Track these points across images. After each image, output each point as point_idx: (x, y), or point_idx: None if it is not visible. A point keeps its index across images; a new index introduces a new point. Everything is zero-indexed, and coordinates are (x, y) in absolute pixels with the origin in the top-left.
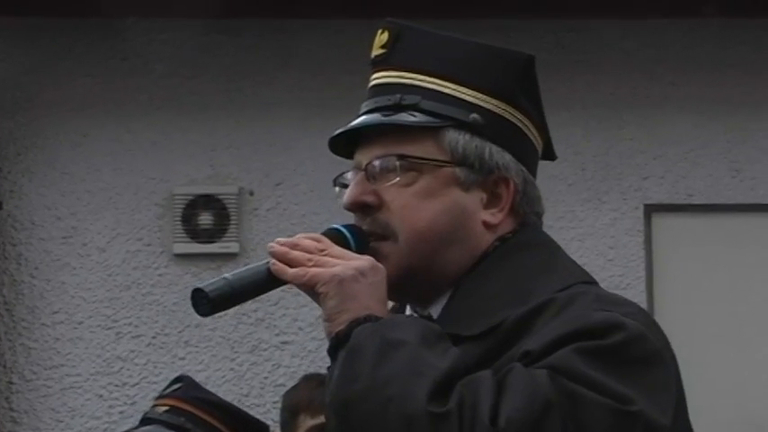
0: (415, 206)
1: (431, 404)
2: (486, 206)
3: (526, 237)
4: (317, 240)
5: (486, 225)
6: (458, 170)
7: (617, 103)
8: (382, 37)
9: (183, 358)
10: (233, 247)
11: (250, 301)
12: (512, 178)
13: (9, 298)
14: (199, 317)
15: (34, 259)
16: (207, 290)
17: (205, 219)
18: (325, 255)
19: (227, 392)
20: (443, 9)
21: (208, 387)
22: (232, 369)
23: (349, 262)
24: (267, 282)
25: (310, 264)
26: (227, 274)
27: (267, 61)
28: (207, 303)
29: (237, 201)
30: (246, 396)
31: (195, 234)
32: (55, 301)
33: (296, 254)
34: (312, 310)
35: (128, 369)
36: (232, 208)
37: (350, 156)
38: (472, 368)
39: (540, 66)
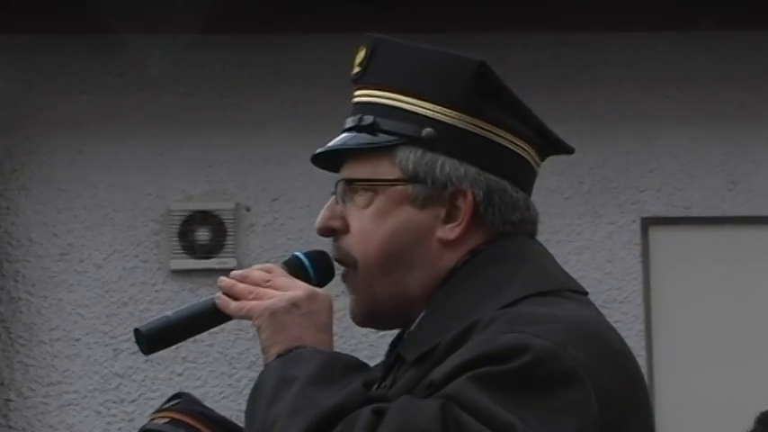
0: (369, 229)
1: None
2: (445, 221)
3: (496, 249)
4: (268, 271)
5: (443, 242)
6: (410, 188)
7: (613, 117)
8: (360, 54)
9: (180, 374)
10: (230, 263)
11: None
12: (469, 190)
13: (6, 315)
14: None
15: (31, 276)
16: (142, 329)
17: (202, 235)
18: (267, 286)
19: (225, 408)
20: (437, 24)
21: (206, 403)
22: (230, 385)
23: (285, 293)
24: (212, 316)
25: (251, 297)
26: (169, 312)
27: (261, 76)
28: (144, 342)
29: (234, 216)
30: (244, 412)
31: (192, 250)
32: (52, 317)
33: (240, 287)
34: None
35: (126, 386)
36: (229, 224)
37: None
38: (402, 396)
39: (535, 79)
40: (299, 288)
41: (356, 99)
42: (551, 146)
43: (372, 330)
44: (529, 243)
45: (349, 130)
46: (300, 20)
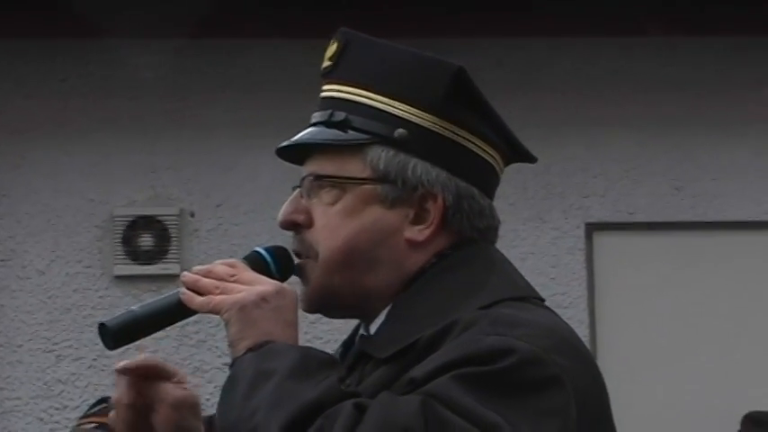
0: (335, 225)
1: None
2: (414, 222)
3: (464, 253)
4: (232, 266)
5: (411, 242)
6: (379, 187)
7: (558, 122)
8: (332, 48)
9: None
10: (174, 269)
11: (191, 323)
12: (440, 194)
13: None
14: (142, 339)
15: None
16: (109, 324)
17: (146, 240)
18: (233, 281)
19: None
20: (382, 27)
21: None
22: None
23: (253, 288)
24: (177, 311)
25: (217, 291)
26: (134, 307)
27: (207, 81)
28: (109, 337)
29: (178, 222)
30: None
31: (136, 256)
32: None
33: (205, 282)
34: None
35: (68, 392)
36: (173, 229)
37: (303, 163)
38: (377, 393)
39: (480, 85)
40: (266, 283)
41: (326, 93)
42: (517, 155)
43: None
44: (493, 250)
45: (317, 124)
46: (246, 25)
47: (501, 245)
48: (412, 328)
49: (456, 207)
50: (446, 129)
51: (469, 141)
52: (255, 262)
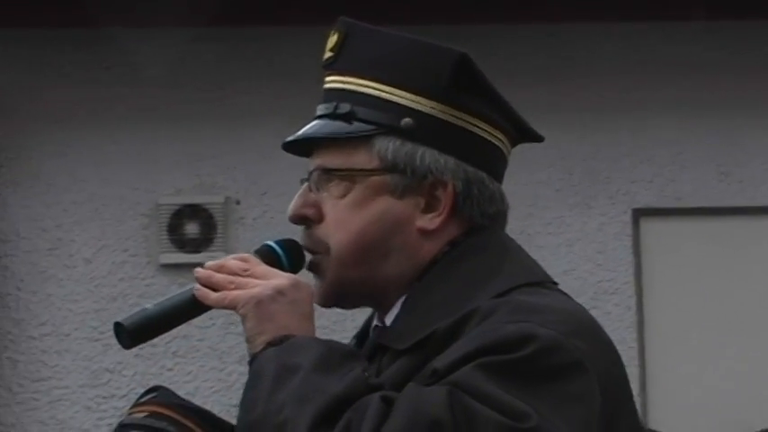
0: (346, 218)
1: (313, 431)
2: (425, 211)
3: (476, 240)
4: (244, 260)
5: (423, 231)
6: (388, 177)
7: (603, 108)
8: (333, 38)
9: (170, 369)
10: (220, 257)
11: None
12: (450, 181)
13: None
14: (184, 328)
15: (20, 272)
16: (124, 322)
17: (191, 228)
18: (248, 275)
19: (215, 403)
20: (427, 15)
21: (196, 398)
22: (220, 379)
23: (269, 282)
24: (192, 307)
25: (232, 286)
26: (148, 305)
27: (251, 69)
28: (125, 336)
29: (224, 210)
30: (235, 406)
31: (181, 244)
32: (41, 313)
33: (219, 277)
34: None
35: (115, 381)
36: (218, 217)
37: (310, 156)
38: (401, 385)
39: (526, 71)
40: (281, 276)
41: (329, 85)
42: (523, 135)
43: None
44: (505, 236)
45: (322, 117)
46: (290, 12)
47: (548, 231)
48: (429, 319)
49: (466, 193)
50: (451, 115)
51: (475, 126)
52: (267, 255)
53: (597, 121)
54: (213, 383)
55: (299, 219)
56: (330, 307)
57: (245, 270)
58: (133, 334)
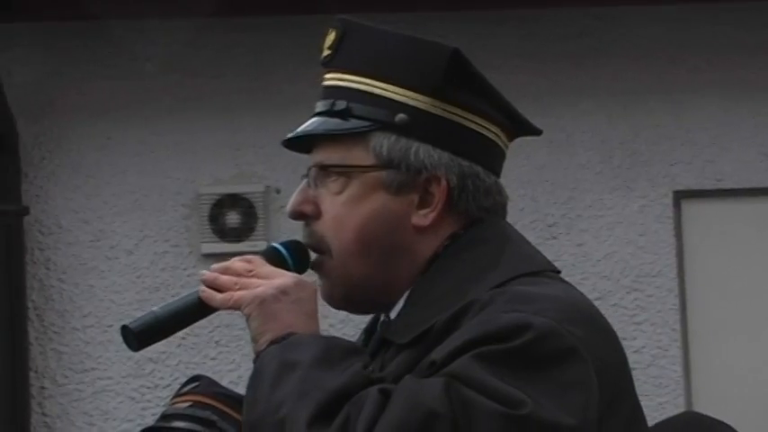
0: (344, 215)
1: (312, 427)
2: (419, 207)
3: (477, 232)
4: (249, 261)
5: (417, 228)
6: (384, 174)
7: (643, 90)
8: (330, 36)
9: (214, 358)
10: (261, 246)
11: None
12: (443, 176)
13: (38, 303)
14: (226, 317)
15: (62, 264)
16: (132, 326)
17: (232, 218)
18: (252, 276)
19: None
20: (466, 1)
21: (239, 387)
22: None
23: (272, 281)
24: (198, 309)
25: (236, 287)
26: (155, 308)
27: (289, 58)
28: (133, 339)
29: (264, 199)
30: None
31: (223, 234)
32: (84, 304)
33: (224, 279)
34: None
35: (159, 371)
36: (259, 206)
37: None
38: (400, 379)
39: (565, 54)
40: (285, 276)
41: (326, 83)
42: (520, 128)
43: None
44: (505, 226)
45: (321, 114)
46: (329, 1)
47: (588, 214)
48: (429, 312)
49: (461, 188)
50: (445, 110)
51: (469, 120)
52: (272, 257)
53: (636, 104)
54: None
55: (297, 215)
56: (338, 308)
57: (250, 271)
58: (140, 336)
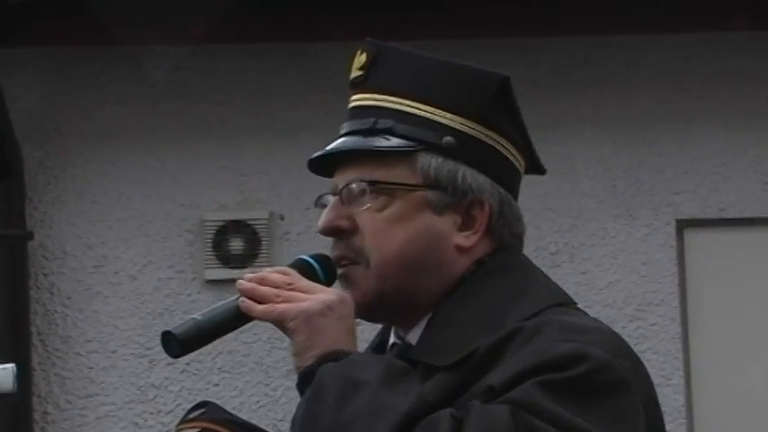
0: (386, 231)
1: None
2: (461, 229)
3: (502, 260)
4: (285, 274)
5: (460, 249)
6: (430, 194)
7: (646, 119)
8: (361, 58)
9: (216, 384)
10: None
11: None
12: (486, 200)
13: (42, 328)
14: (230, 343)
15: (66, 289)
16: (175, 332)
17: (236, 244)
18: (292, 289)
19: (262, 417)
20: (469, 29)
21: (242, 413)
22: (267, 394)
23: (317, 296)
24: (237, 319)
25: (279, 299)
26: (196, 315)
27: (294, 85)
28: (176, 345)
29: (268, 225)
30: (281, 421)
31: (226, 260)
32: (88, 330)
33: (264, 289)
34: None
35: (162, 396)
36: (263, 233)
37: (331, 175)
38: (443, 401)
39: (568, 83)
40: (328, 291)
41: (359, 102)
42: (533, 164)
43: None
44: (525, 257)
45: (354, 133)
46: (333, 28)
47: (591, 243)
48: (467, 336)
49: (499, 214)
50: (487, 135)
51: (505, 148)
52: (304, 269)
53: (640, 133)
54: (259, 398)
55: (333, 230)
56: (359, 316)
57: (289, 284)
58: (184, 343)
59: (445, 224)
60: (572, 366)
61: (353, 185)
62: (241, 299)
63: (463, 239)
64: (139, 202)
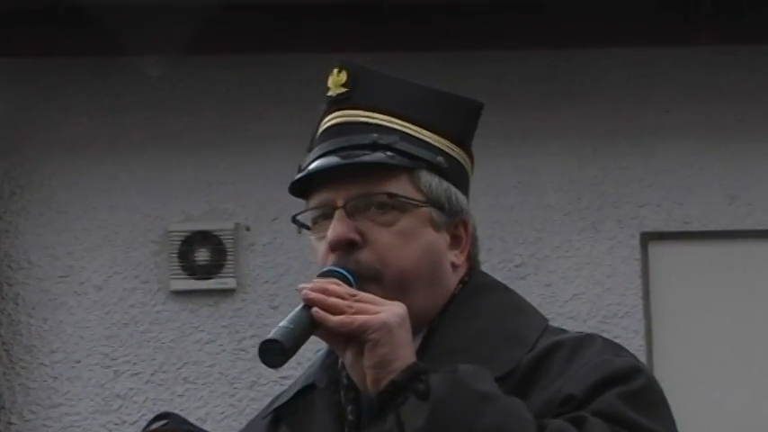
0: (398, 246)
1: None
2: (450, 247)
3: (482, 278)
4: (339, 285)
5: (454, 266)
6: (433, 211)
7: (611, 132)
8: (340, 76)
9: (181, 395)
10: (230, 283)
11: (248, 336)
12: (469, 221)
13: (7, 338)
14: (195, 353)
15: (31, 299)
16: (283, 341)
17: (202, 255)
18: (358, 300)
19: (227, 428)
20: (437, 42)
21: (207, 423)
22: (231, 405)
23: (391, 308)
24: (311, 328)
25: (351, 311)
26: (284, 323)
27: (261, 96)
28: (279, 352)
29: (234, 236)
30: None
31: (192, 270)
32: (53, 340)
33: (334, 300)
34: (311, 345)
35: (127, 407)
36: (229, 243)
37: (303, 195)
38: None
39: (534, 96)
40: (394, 303)
41: (348, 119)
42: None
43: None
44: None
45: (348, 149)
46: (300, 39)
47: (556, 255)
48: (495, 348)
49: (474, 234)
50: (464, 159)
51: (471, 171)
52: (342, 280)
53: (605, 146)
54: (224, 409)
55: (345, 243)
56: None
57: (353, 294)
58: (287, 352)
59: (442, 242)
60: (633, 378)
61: (372, 198)
62: (314, 309)
63: (454, 257)
64: (105, 213)
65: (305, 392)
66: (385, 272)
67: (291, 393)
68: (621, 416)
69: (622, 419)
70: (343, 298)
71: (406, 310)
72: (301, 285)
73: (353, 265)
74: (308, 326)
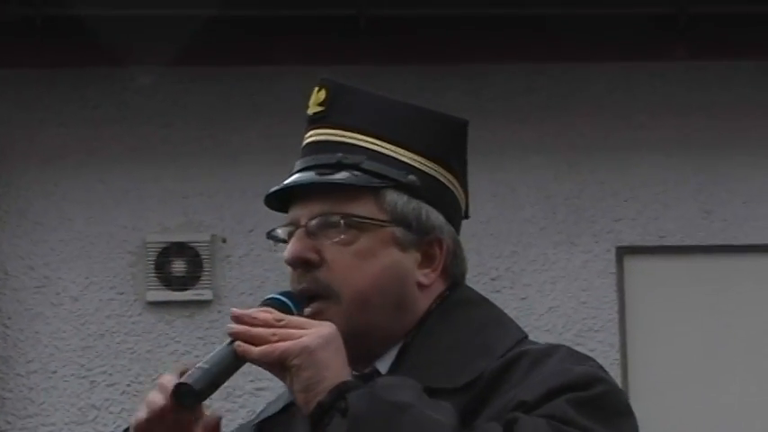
0: (356, 266)
1: None
2: (420, 266)
3: (463, 293)
4: (269, 312)
5: (420, 285)
6: (397, 230)
7: (587, 147)
8: (319, 95)
9: None
10: (206, 295)
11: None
12: (444, 239)
13: None
14: (171, 364)
15: (7, 309)
16: (194, 384)
17: (178, 266)
18: (283, 326)
19: None
20: (414, 55)
21: None
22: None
23: (313, 330)
24: (236, 363)
25: (275, 338)
26: (201, 364)
27: (238, 108)
28: (192, 395)
29: (210, 248)
30: None
31: (168, 282)
32: (29, 350)
33: (259, 331)
34: None
35: (102, 418)
36: (205, 255)
37: (284, 210)
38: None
39: (511, 110)
40: (320, 325)
41: (321, 137)
42: (466, 208)
43: None
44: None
45: (315, 167)
46: (277, 52)
47: (532, 269)
48: (466, 360)
49: (453, 253)
50: (444, 177)
51: (456, 189)
52: (280, 309)
53: (581, 160)
54: None
55: (302, 261)
56: None
57: (280, 320)
58: (201, 395)
59: (408, 261)
60: (591, 386)
61: (320, 219)
62: (236, 343)
63: (422, 277)
64: (82, 224)
65: (291, 407)
66: (342, 291)
67: (279, 407)
68: (570, 420)
69: (570, 422)
70: (270, 326)
71: (335, 329)
72: (233, 312)
73: (312, 284)
74: (232, 360)
